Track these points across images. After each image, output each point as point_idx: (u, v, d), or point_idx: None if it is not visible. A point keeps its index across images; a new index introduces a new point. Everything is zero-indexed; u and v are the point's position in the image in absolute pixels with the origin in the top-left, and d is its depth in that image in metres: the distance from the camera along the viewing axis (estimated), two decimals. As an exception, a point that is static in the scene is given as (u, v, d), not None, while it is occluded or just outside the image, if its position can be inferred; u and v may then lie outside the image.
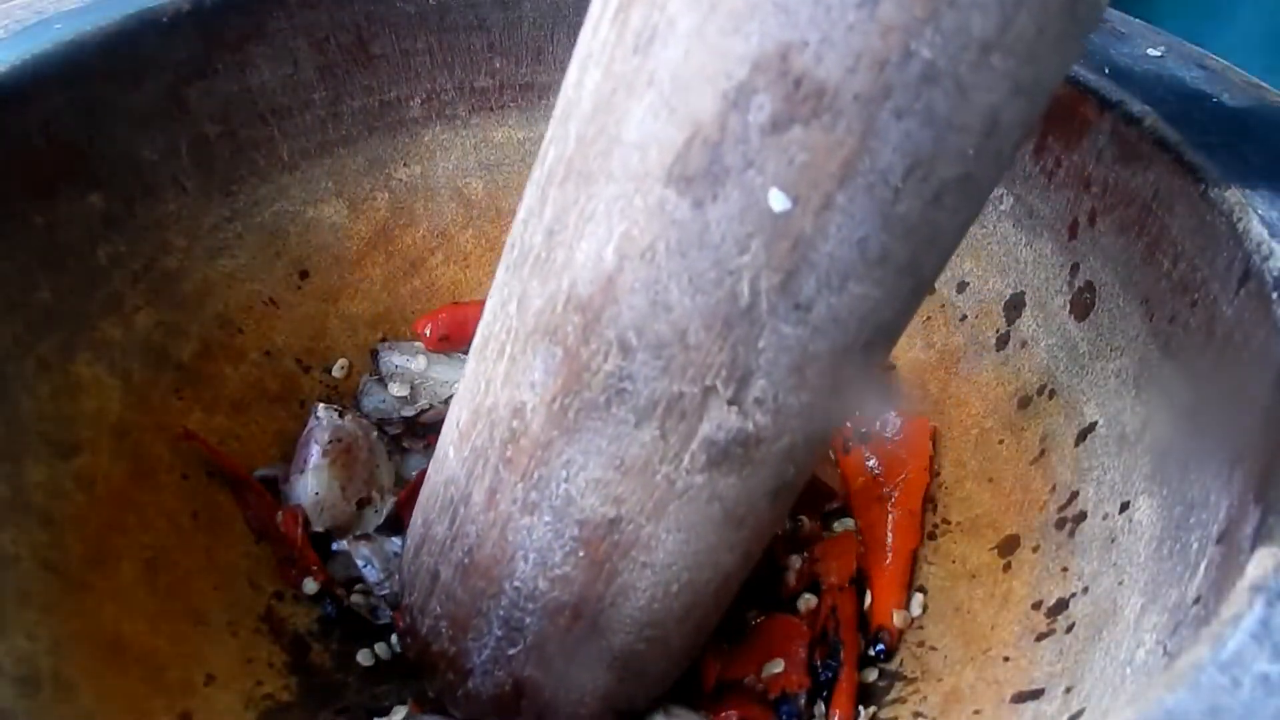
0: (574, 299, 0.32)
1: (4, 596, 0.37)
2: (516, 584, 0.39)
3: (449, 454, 0.40)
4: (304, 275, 0.54)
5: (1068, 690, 0.38)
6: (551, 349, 0.33)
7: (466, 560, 0.40)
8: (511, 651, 0.41)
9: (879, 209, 0.28)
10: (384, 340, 0.57)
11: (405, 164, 0.57)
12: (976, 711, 0.41)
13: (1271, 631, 0.25)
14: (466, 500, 0.39)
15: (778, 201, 0.28)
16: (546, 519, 0.36)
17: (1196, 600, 0.32)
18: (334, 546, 0.49)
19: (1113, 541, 0.41)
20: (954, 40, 0.25)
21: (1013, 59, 0.26)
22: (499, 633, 0.40)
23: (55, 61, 0.43)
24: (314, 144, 0.54)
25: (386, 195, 0.57)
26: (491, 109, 0.58)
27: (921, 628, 0.48)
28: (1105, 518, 0.42)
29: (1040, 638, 0.41)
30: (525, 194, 0.35)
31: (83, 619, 0.39)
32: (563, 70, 0.60)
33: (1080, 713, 0.36)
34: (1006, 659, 0.42)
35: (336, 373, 0.55)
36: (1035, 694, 0.39)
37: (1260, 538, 0.29)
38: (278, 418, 0.52)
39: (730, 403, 0.32)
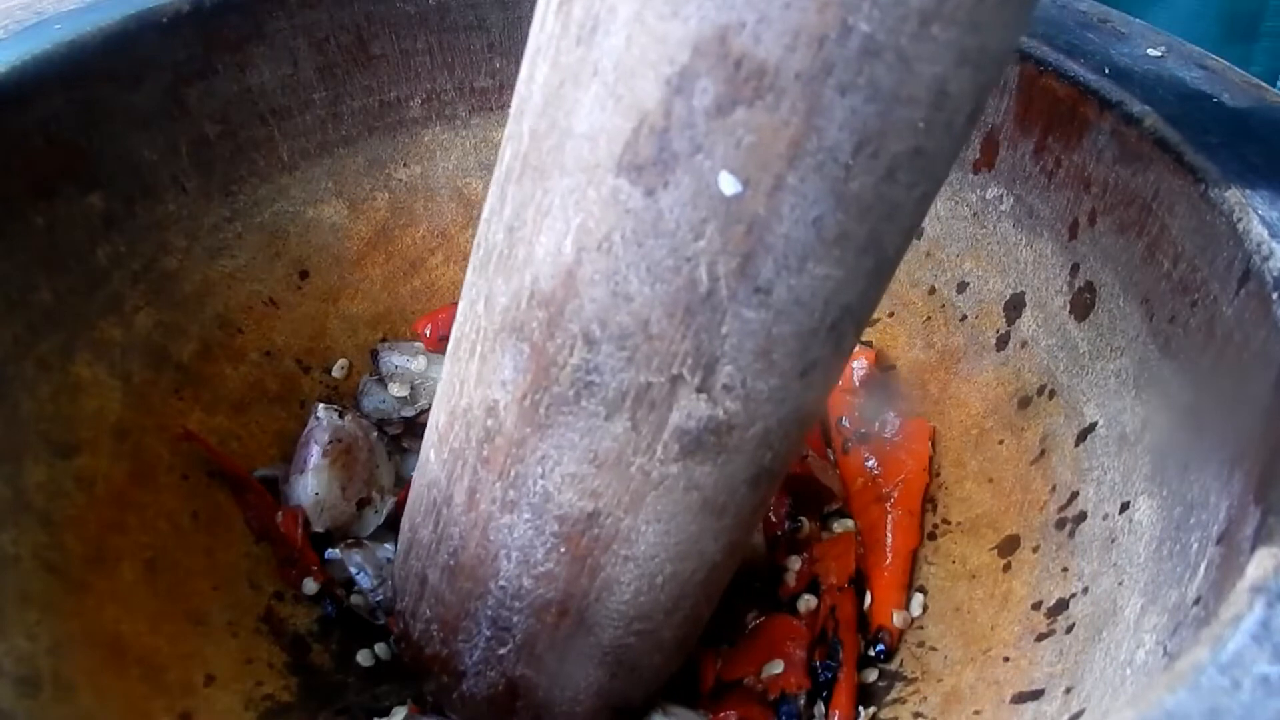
0: (537, 294, 0.32)
1: (4, 596, 0.37)
2: (502, 583, 0.39)
3: (430, 457, 0.40)
4: (304, 275, 0.54)
5: (1068, 691, 0.38)
6: (519, 346, 0.33)
7: (452, 562, 0.40)
8: (501, 651, 0.41)
9: (831, 188, 0.28)
10: (384, 340, 0.57)
11: (405, 164, 0.57)
12: (976, 712, 0.41)
13: (1272, 633, 0.25)
14: (449, 502, 0.39)
15: (728, 185, 0.28)
16: (526, 516, 0.36)
17: (1196, 601, 0.32)
18: (327, 554, 0.49)
19: (1113, 542, 0.41)
20: (891, 12, 0.25)
21: (954, 28, 0.26)
22: (488, 633, 0.41)
23: (55, 62, 0.43)
24: (314, 144, 0.54)
25: (386, 195, 0.57)
26: (491, 109, 0.58)
27: (921, 628, 0.48)
28: (1105, 518, 0.42)
29: (1040, 638, 0.41)
30: (488, 195, 0.35)
31: (83, 619, 0.39)
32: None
33: (1080, 713, 0.36)
34: (1006, 659, 0.42)
35: (336, 373, 0.55)
36: (1035, 694, 0.39)
37: (1260, 538, 0.29)
38: (278, 418, 0.52)
39: (699, 390, 0.32)
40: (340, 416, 0.51)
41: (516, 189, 0.32)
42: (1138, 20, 0.49)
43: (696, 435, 0.33)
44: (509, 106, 0.59)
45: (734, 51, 0.26)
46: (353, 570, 0.49)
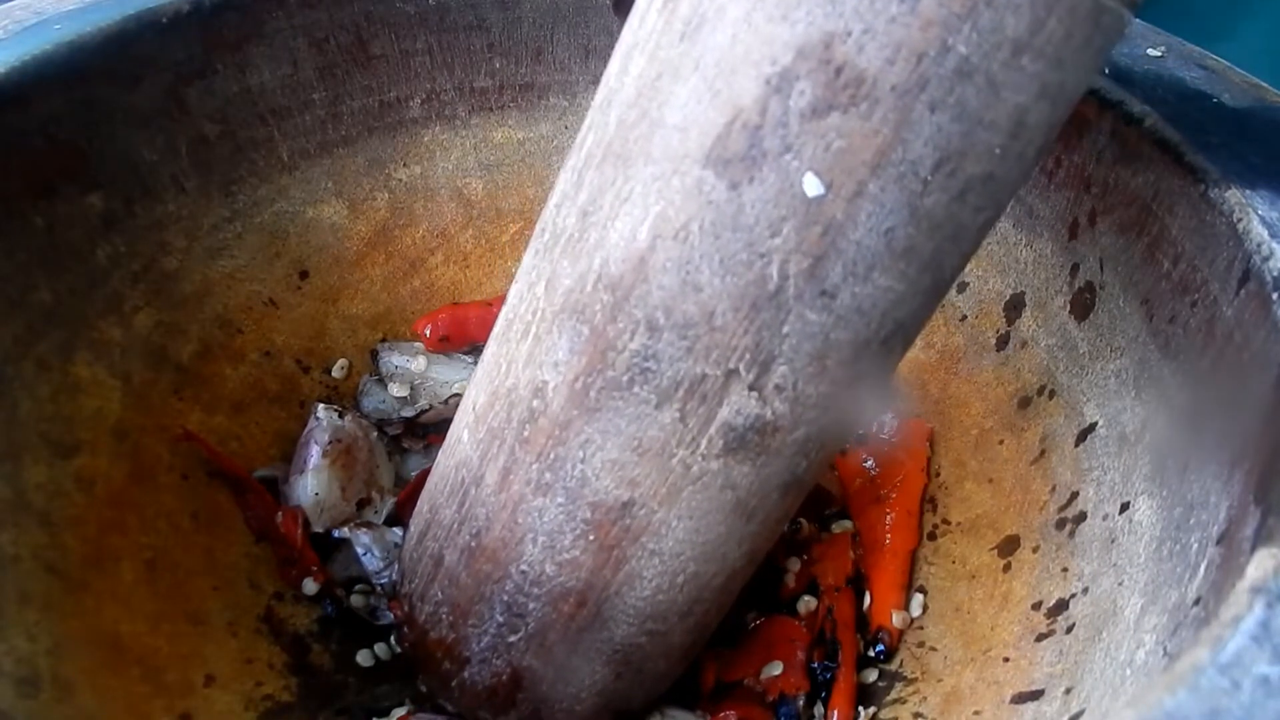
0: (605, 277, 0.33)
1: (4, 597, 0.37)
2: (523, 568, 0.39)
3: (463, 437, 0.40)
4: (304, 275, 0.54)
5: (1067, 691, 0.38)
6: (578, 327, 0.34)
7: (473, 543, 0.40)
8: (512, 639, 0.41)
9: (908, 200, 0.29)
10: (384, 340, 0.57)
11: (405, 164, 0.57)
12: (976, 712, 0.41)
13: (1271, 633, 0.25)
14: (478, 482, 0.39)
15: (812, 186, 0.28)
16: (559, 500, 0.37)
17: (1196, 601, 0.32)
18: (335, 534, 0.50)
19: (1113, 542, 0.41)
20: (989, 38, 0.26)
21: (1041, 61, 0.27)
22: (501, 619, 0.41)
23: (55, 62, 0.43)
24: (314, 144, 0.54)
25: (386, 195, 0.57)
26: (491, 109, 0.58)
27: (921, 628, 0.48)
28: (1105, 518, 0.42)
29: (1040, 638, 0.41)
30: (559, 181, 0.36)
31: (82, 619, 0.39)
32: (563, 70, 0.60)
33: (1080, 714, 0.36)
34: (1006, 659, 0.42)
35: (336, 373, 0.55)
36: (1035, 695, 0.39)
37: (1260, 539, 0.29)
38: (278, 418, 0.52)
39: (751, 388, 0.32)
40: (340, 416, 0.51)
41: (596, 174, 0.33)
42: (1137, 20, 0.49)
43: (741, 433, 0.34)
44: (509, 106, 0.59)
45: (836, 58, 0.27)
46: (360, 550, 0.49)
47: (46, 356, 0.43)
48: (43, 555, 0.39)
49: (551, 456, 0.36)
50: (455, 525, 0.41)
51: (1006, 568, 0.46)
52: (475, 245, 0.59)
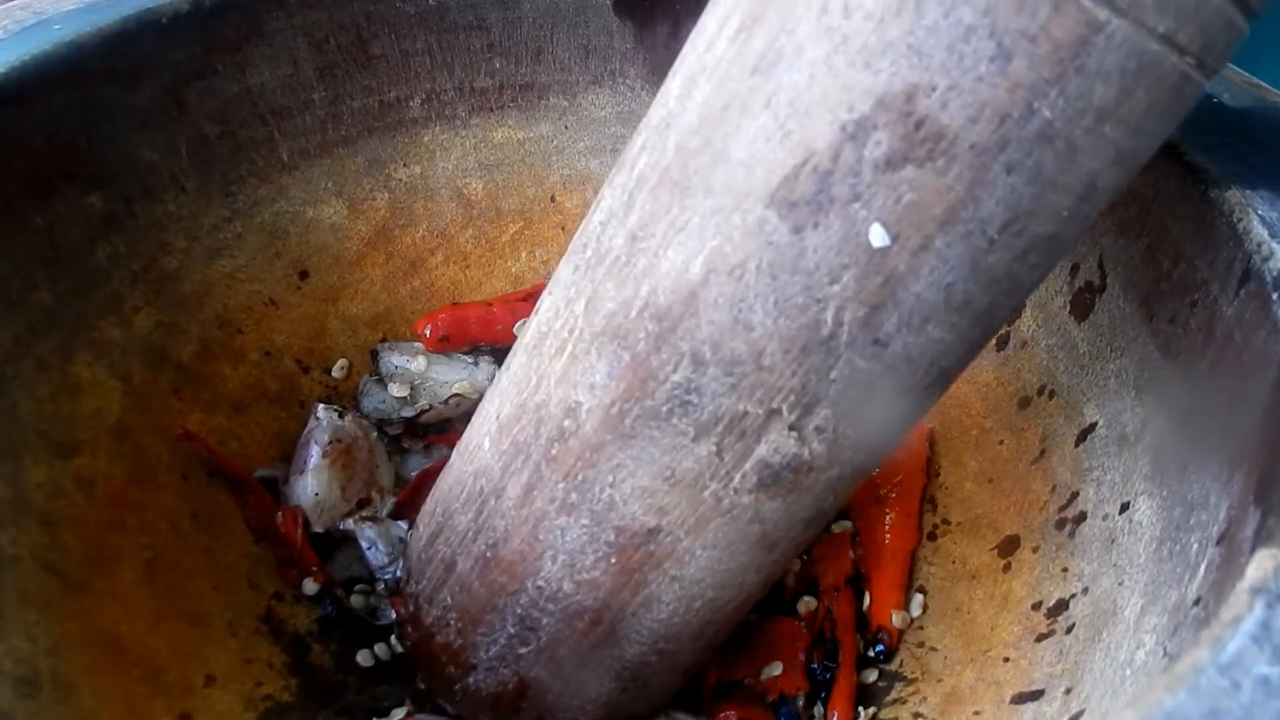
0: (652, 306, 0.32)
1: (4, 597, 0.37)
2: (540, 583, 0.39)
3: (484, 445, 0.40)
4: (304, 275, 0.54)
5: (1067, 691, 0.38)
6: (619, 353, 0.33)
7: (489, 554, 0.40)
8: (523, 650, 0.41)
9: (972, 257, 0.28)
10: (384, 340, 0.57)
11: (405, 164, 0.57)
12: (976, 712, 0.41)
13: (1271, 634, 0.25)
14: (499, 493, 0.39)
15: (878, 237, 0.28)
16: (584, 521, 0.36)
17: (1196, 602, 0.32)
18: (340, 525, 0.49)
19: (1113, 542, 0.41)
20: (1075, 104, 0.26)
21: (1122, 129, 0.27)
22: (512, 630, 0.40)
23: (55, 62, 0.43)
24: (314, 144, 0.54)
25: (386, 195, 0.57)
26: (491, 109, 0.58)
27: (921, 628, 0.48)
28: (1105, 518, 0.42)
29: (1040, 638, 0.41)
30: (603, 197, 0.35)
31: (82, 620, 0.39)
32: (563, 70, 0.60)
33: (1080, 714, 0.36)
34: (1006, 660, 0.42)
35: (336, 373, 0.55)
36: (1035, 695, 0.39)
37: (1260, 539, 0.29)
38: (278, 418, 0.52)
39: (791, 428, 0.32)
40: (340, 416, 0.51)
41: (649, 199, 0.32)
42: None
43: (776, 471, 0.33)
44: (509, 106, 0.59)
45: (918, 111, 0.27)
46: (364, 545, 0.49)
47: (46, 356, 0.43)
48: (42, 555, 0.39)
49: (580, 478, 0.36)
50: (470, 533, 0.41)
51: (1006, 568, 0.46)
52: (475, 245, 0.59)
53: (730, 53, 0.30)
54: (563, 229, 0.59)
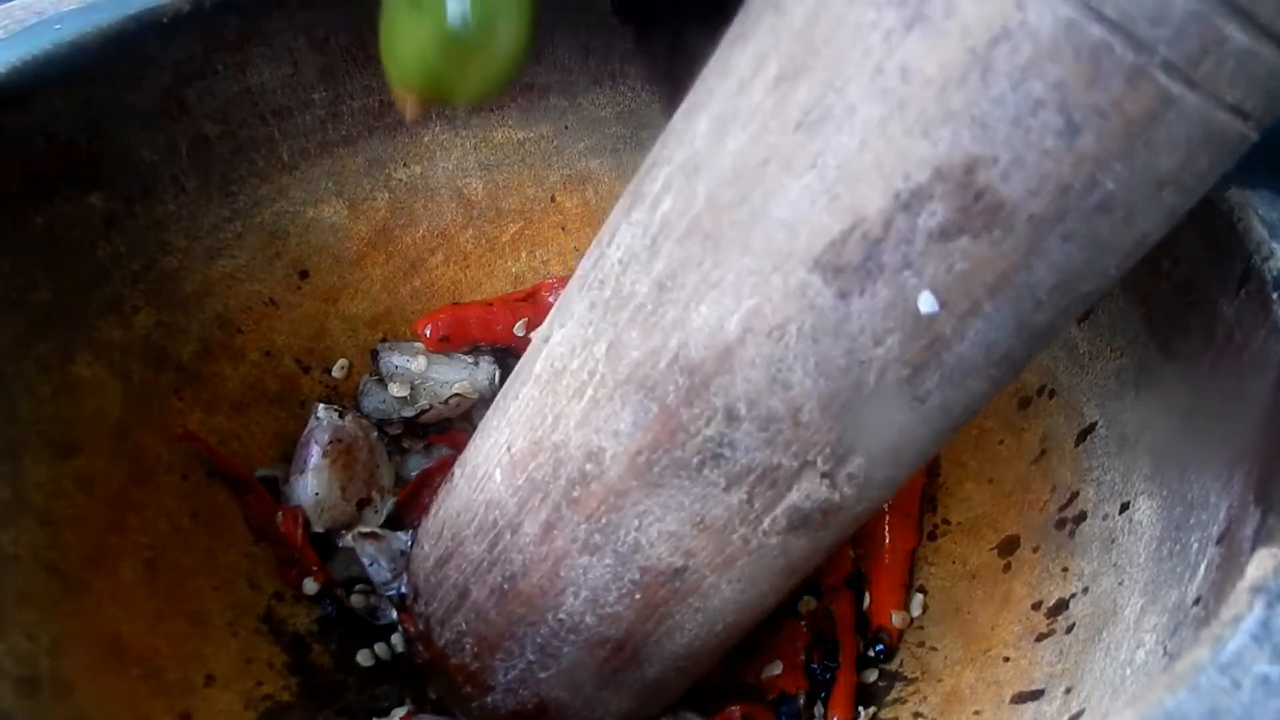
0: (682, 359, 0.31)
1: (4, 596, 0.37)
2: (561, 616, 0.38)
3: (495, 476, 0.39)
4: (304, 275, 0.54)
5: (1067, 691, 0.38)
6: (646, 403, 0.33)
7: (506, 586, 0.39)
8: (543, 675, 0.41)
9: (1018, 318, 0.28)
10: (384, 340, 0.57)
11: (405, 164, 0.57)
12: (976, 712, 0.41)
13: (1271, 633, 0.25)
14: (515, 529, 0.38)
15: (926, 304, 0.28)
16: (608, 562, 0.36)
17: (1196, 601, 0.32)
18: (339, 543, 0.49)
19: (1113, 542, 0.41)
20: (1139, 175, 0.25)
21: (1180, 193, 0.27)
22: (531, 657, 0.40)
23: (55, 62, 0.43)
24: (314, 144, 0.54)
25: (386, 195, 0.57)
26: (491, 109, 0.58)
27: (922, 628, 0.48)
28: (1105, 518, 0.42)
29: (1040, 638, 0.41)
30: (619, 230, 0.34)
31: (82, 619, 0.39)
32: (563, 70, 0.59)
33: (1080, 713, 0.36)
34: (1006, 659, 0.42)
35: (336, 373, 0.55)
36: (1035, 694, 0.39)
37: (1260, 539, 0.29)
38: (278, 418, 0.52)
39: (824, 476, 0.32)
40: (340, 416, 0.51)
41: (677, 249, 0.31)
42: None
43: (806, 514, 0.33)
44: (509, 106, 0.59)
45: (977, 183, 0.26)
46: (365, 561, 0.48)
47: (46, 356, 0.43)
48: (43, 555, 0.39)
49: (603, 521, 0.35)
50: (485, 564, 0.40)
51: (1006, 568, 0.46)
52: (475, 245, 0.59)
53: (768, 103, 0.29)
54: (563, 229, 0.59)
